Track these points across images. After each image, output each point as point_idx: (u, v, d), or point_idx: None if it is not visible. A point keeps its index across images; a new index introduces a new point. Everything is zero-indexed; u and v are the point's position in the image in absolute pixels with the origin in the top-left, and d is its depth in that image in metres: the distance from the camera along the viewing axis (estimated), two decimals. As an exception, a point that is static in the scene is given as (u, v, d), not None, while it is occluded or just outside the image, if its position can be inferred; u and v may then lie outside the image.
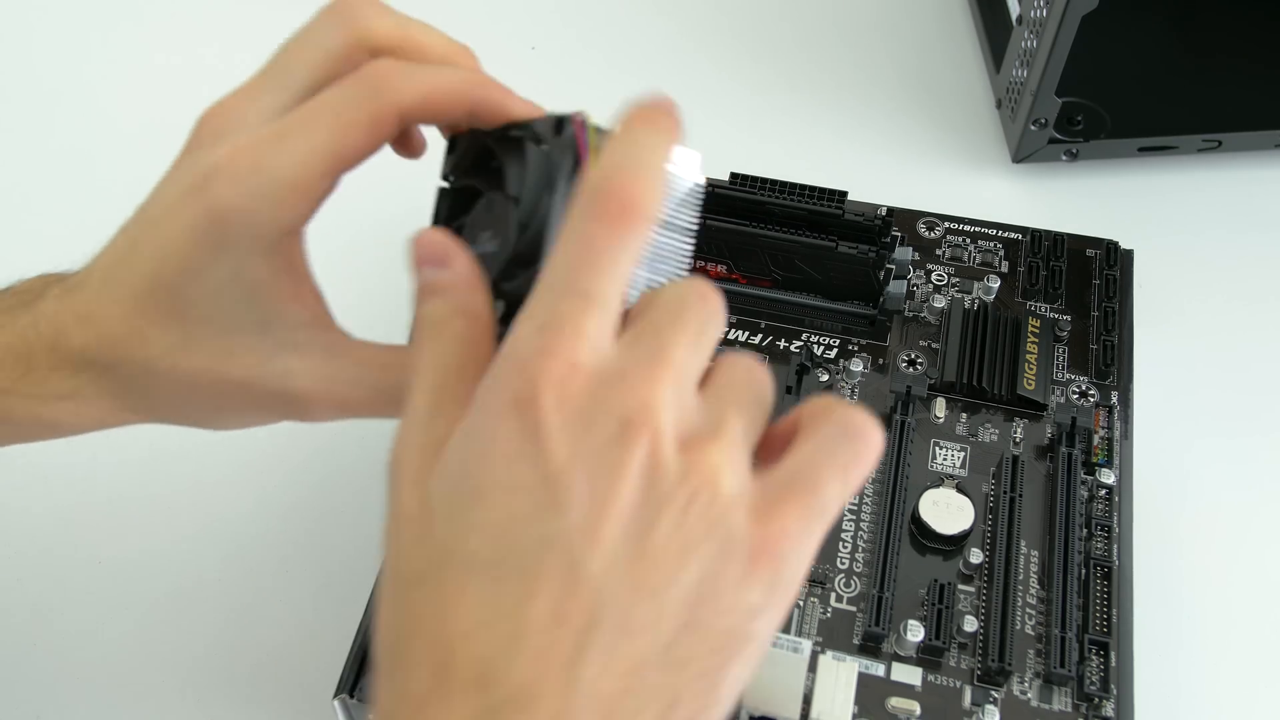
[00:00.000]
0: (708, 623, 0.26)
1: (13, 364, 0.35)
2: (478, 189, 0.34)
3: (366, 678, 0.43)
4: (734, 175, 0.54)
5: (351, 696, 0.43)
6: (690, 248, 0.33)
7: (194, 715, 0.49)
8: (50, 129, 0.70)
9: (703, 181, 0.34)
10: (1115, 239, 0.56)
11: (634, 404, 0.26)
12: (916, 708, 0.42)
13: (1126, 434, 0.50)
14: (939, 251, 0.56)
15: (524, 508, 0.25)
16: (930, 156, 0.67)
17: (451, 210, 0.35)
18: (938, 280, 0.55)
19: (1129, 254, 0.56)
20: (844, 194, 0.52)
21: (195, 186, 0.31)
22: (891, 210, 0.53)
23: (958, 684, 0.43)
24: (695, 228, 0.34)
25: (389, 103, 0.32)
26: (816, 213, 0.52)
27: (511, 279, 0.31)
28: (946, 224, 0.57)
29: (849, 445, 0.28)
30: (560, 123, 0.32)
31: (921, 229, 0.57)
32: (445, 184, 0.35)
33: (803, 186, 0.52)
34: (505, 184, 0.32)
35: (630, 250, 0.27)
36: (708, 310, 0.28)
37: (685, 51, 0.73)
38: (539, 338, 0.26)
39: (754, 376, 0.29)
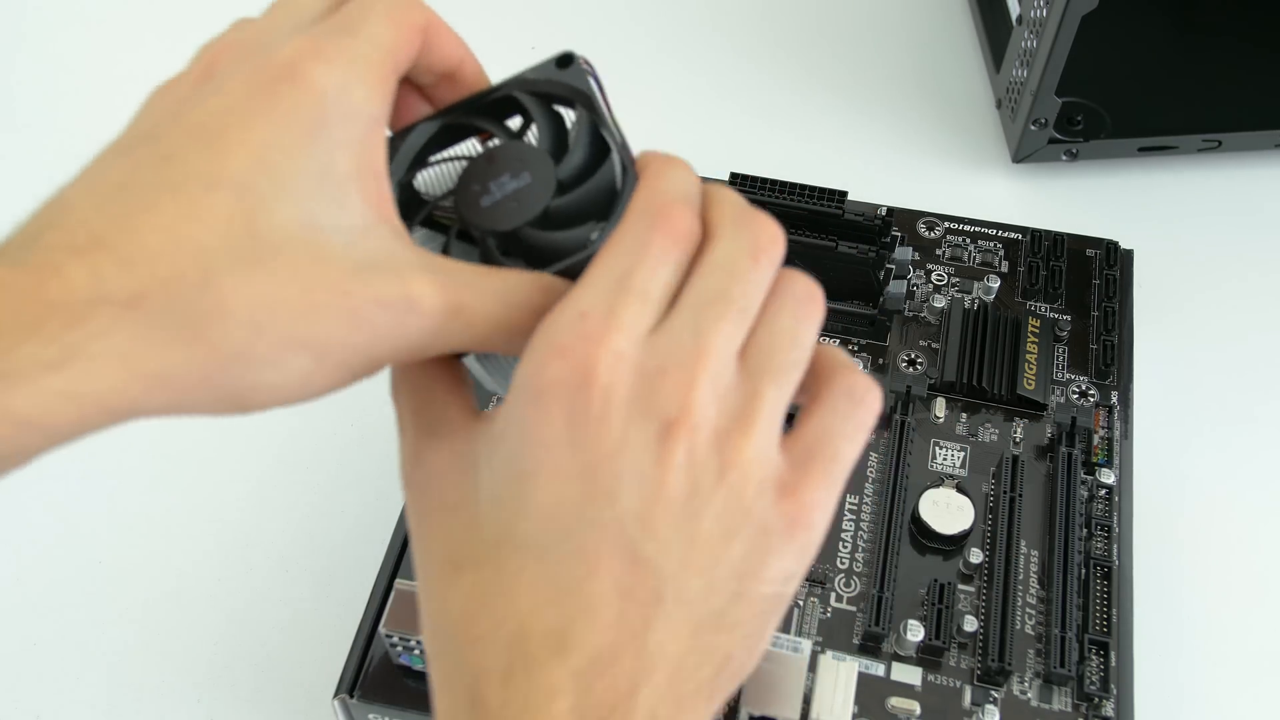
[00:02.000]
0: (752, 591, 0.28)
1: None
2: (449, 161, 0.33)
3: (366, 678, 0.43)
4: (734, 175, 0.54)
5: (351, 696, 0.43)
6: None
7: (194, 715, 0.49)
8: (60, 129, 0.70)
9: None
10: (1115, 239, 0.56)
11: (674, 404, 0.27)
12: (916, 708, 0.42)
13: (1126, 434, 0.50)
14: (939, 251, 0.56)
15: (572, 494, 0.27)
16: (930, 156, 0.67)
17: (414, 198, 0.33)
18: (938, 280, 0.55)
19: (1129, 254, 0.56)
20: (844, 194, 0.52)
21: (278, 78, 0.28)
22: (891, 210, 0.53)
23: (958, 684, 0.43)
24: None
25: (423, 17, 0.31)
26: (816, 213, 0.52)
27: (565, 193, 0.31)
28: (946, 224, 0.57)
29: (858, 411, 0.30)
30: (565, 59, 0.33)
31: (921, 229, 0.57)
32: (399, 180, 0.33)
33: (803, 186, 0.52)
34: (499, 132, 0.33)
35: (676, 266, 0.29)
36: (759, 274, 0.29)
37: (685, 52, 0.73)
38: (582, 324, 0.27)
39: (799, 329, 0.29)
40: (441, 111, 0.33)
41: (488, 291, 0.29)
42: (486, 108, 0.33)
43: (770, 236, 0.29)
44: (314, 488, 0.55)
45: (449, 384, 0.31)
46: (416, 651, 0.42)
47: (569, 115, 0.33)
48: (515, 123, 0.34)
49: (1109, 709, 0.42)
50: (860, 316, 0.53)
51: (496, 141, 0.33)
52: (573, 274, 0.30)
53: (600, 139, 0.32)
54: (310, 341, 0.27)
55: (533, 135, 0.33)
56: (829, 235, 0.52)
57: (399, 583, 0.43)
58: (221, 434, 0.57)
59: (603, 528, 0.27)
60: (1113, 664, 0.43)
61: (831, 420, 0.29)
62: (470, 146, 0.34)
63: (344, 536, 0.53)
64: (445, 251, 0.32)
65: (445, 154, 0.33)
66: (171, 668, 0.50)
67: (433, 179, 0.33)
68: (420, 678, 0.43)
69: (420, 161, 0.33)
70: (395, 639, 0.42)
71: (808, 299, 0.30)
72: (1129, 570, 0.46)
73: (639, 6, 0.76)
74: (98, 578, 0.52)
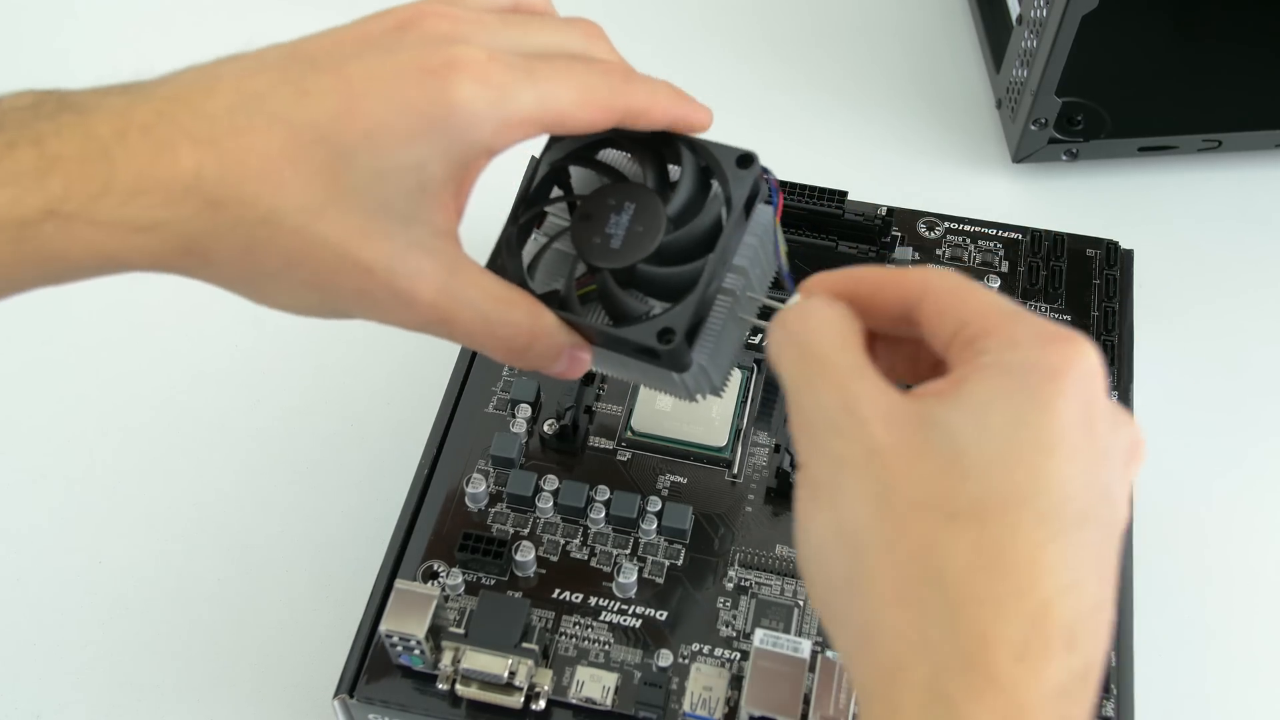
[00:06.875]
0: None
1: (83, 179, 0.29)
2: (594, 169, 0.37)
3: (366, 678, 0.43)
4: (734, 175, 0.54)
5: (351, 696, 0.43)
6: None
7: (194, 715, 0.49)
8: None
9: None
10: (1115, 239, 0.56)
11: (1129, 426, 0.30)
12: (916, 708, 0.42)
13: (1126, 434, 0.50)
14: (939, 251, 0.56)
15: (1087, 481, 0.27)
16: (930, 156, 0.67)
17: (546, 182, 0.37)
18: (938, 280, 0.55)
19: (1129, 254, 0.56)
20: (844, 194, 0.52)
21: (432, 71, 0.31)
22: (891, 210, 0.53)
23: (958, 684, 0.43)
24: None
25: (623, 105, 0.34)
26: (816, 213, 0.52)
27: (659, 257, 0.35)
28: (946, 224, 0.57)
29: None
30: (746, 159, 0.36)
31: (921, 229, 0.57)
32: (546, 161, 0.37)
33: (803, 186, 0.52)
34: (646, 180, 0.36)
35: None
36: None
37: (684, 50, 0.73)
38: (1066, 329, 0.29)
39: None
40: (617, 131, 0.36)
41: (476, 312, 0.34)
42: (652, 143, 0.36)
43: None
44: (314, 488, 0.55)
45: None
46: (416, 652, 0.42)
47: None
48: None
49: (1109, 709, 0.42)
50: (860, 316, 0.53)
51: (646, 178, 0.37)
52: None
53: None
54: (324, 289, 0.32)
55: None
56: (829, 235, 0.52)
57: (399, 583, 0.43)
58: (222, 434, 0.57)
59: (1109, 527, 0.28)
60: (1112, 664, 0.43)
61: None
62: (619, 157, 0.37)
63: (344, 536, 0.53)
64: (541, 253, 0.37)
65: (602, 155, 0.37)
66: (171, 668, 0.50)
67: (579, 175, 0.38)
68: (420, 678, 0.43)
69: (578, 155, 0.37)
70: (395, 639, 0.42)
71: None
72: (1129, 571, 0.46)
73: (638, 6, 0.75)
74: (98, 578, 0.52)
